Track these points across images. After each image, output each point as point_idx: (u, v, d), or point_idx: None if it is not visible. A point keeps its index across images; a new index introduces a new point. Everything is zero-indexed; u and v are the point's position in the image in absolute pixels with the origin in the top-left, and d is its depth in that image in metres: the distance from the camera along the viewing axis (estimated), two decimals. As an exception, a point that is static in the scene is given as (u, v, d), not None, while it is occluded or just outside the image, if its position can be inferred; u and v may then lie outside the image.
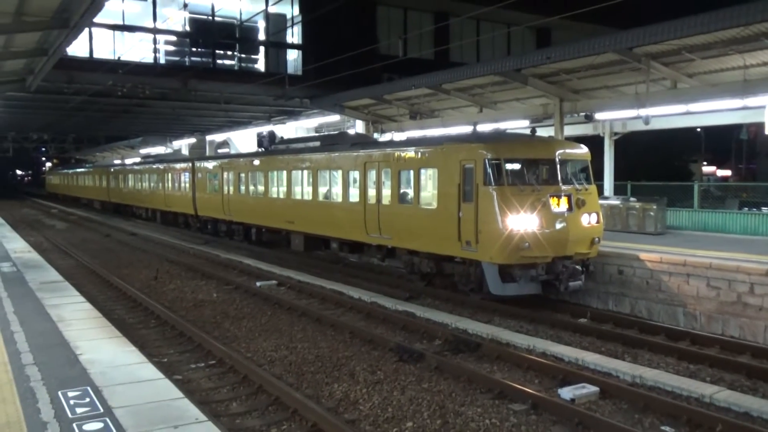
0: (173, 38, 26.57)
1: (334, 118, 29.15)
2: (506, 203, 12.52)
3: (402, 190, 15.46)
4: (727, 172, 52.11)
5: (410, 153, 15.21)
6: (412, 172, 15.05)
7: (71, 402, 6.01)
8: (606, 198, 19.03)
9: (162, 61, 25.76)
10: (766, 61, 14.60)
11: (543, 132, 18.31)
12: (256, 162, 23.40)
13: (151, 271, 18.99)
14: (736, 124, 28.39)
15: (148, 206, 36.78)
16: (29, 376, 6.77)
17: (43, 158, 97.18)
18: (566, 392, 8.66)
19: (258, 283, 16.72)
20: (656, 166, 42.15)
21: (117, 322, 11.87)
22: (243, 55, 28.16)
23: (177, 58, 26.64)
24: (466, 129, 21.26)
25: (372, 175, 16.40)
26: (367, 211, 16.47)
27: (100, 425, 5.49)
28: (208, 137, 44.97)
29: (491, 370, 9.94)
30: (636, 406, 8.35)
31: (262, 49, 28.35)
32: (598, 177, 17.02)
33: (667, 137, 38.71)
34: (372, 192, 16.35)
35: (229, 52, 27.86)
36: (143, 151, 51.01)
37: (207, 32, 26.20)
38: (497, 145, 13.26)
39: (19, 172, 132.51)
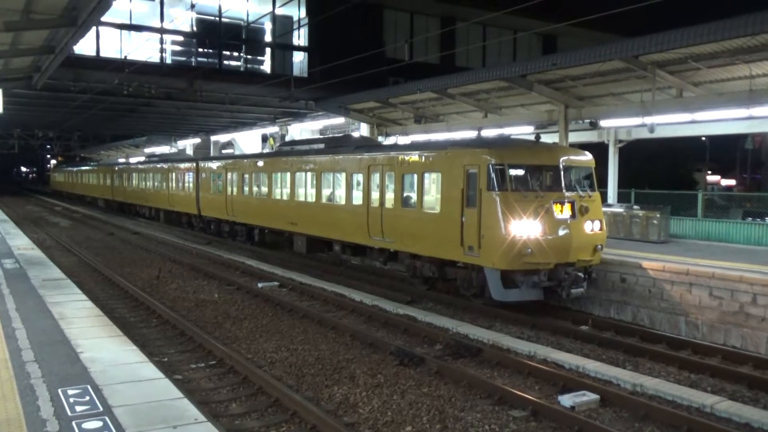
0: (180, 38, 26.61)
1: (339, 120, 29.21)
2: (509, 209, 12.51)
3: (405, 194, 15.46)
4: (732, 182, 51.96)
5: (414, 157, 15.22)
6: (415, 176, 15.05)
7: (71, 400, 6.02)
8: (609, 205, 19.00)
9: (168, 61, 25.82)
10: (772, 71, 14.58)
11: (547, 138, 18.32)
12: (260, 163, 23.44)
13: (153, 270, 19.03)
14: (741, 133, 28.35)
15: (151, 205, 36.85)
16: (30, 373, 6.78)
17: (48, 156, 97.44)
18: (566, 399, 8.64)
19: (260, 284, 16.72)
20: (660, 175, 42.10)
21: (118, 320, 11.91)
22: (249, 57, 28.21)
23: (183, 59, 26.70)
24: (471, 134, 21.30)
25: (376, 178, 16.40)
26: (370, 214, 16.47)
27: (99, 424, 5.49)
28: (213, 138, 45.07)
29: (492, 375, 9.92)
30: (636, 414, 8.32)
31: (268, 50, 28.41)
32: (602, 184, 16.99)
33: (671, 145, 38.69)
34: (375, 195, 16.36)
35: (236, 53, 27.93)
36: (148, 150, 51.12)
37: (214, 33, 26.26)
38: (501, 151, 13.25)
39: (24, 169, 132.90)
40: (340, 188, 18.38)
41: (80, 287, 12.91)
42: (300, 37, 28.86)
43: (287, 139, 33.40)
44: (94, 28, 22.26)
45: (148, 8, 25.38)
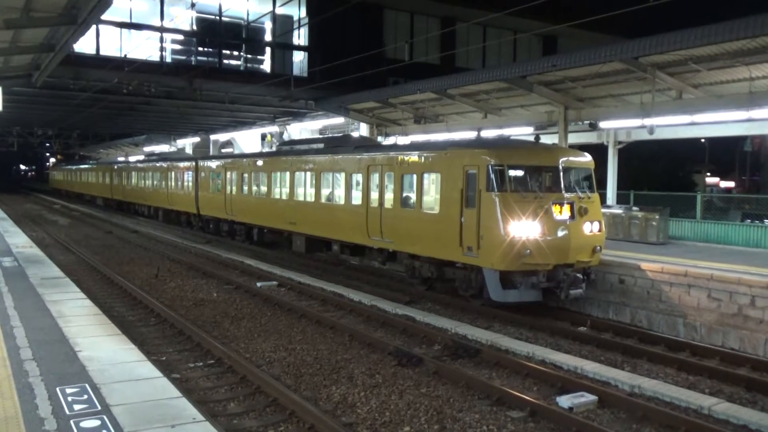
0: (180, 37, 26.61)
1: (339, 120, 29.20)
2: (509, 210, 12.52)
3: (404, 194, 15.46)
4: (731, 184, 52.08)
5: (414, 157, 15.22)
6: (415, 176, 15.06)
7: (69, 398, 6.01)
8: (609, 207, 19.01)
9: (168, 59, 25.80)
10: (772, 73, 14.60)
11: (547, 139, 18.32)
12: (260, 162, 23.44)
13: (151, 269, 19.01)
14: (740, 135, 28.39)
15: (150, 204, 36.85)
16: (28, 372, 6.78)
17: (47, 154, 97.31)
18: (564, 400, 8.64)
19: (258, 284, 16.72)
20: (659, 176, 42.16)
21: (117, 319, 11.89)
22: (249, 56, 28.20)
23: (183, 57, 26.69)
24: (470, 134, 21.30)
25: (375, 178, 16.40)
26: (369, 214, 16.47)
27: (97, 422, 5.49)
28: (213, 137, 45.05)
29: (490, 376, 9.92)
30: (634, 416, 8.33)
31: (268, 50, 28.40)
32: (601, 185, 17.00)
33: (671, 147, 38.77)
34: (374, 195, 16.36)
35: (236, 53, 27.92)
36: (147, 149, 51.10)
37: (214, 32, 26.25)
38: (501, 152, 13.26)
39: (23, 167, 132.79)
40: (339, 188, 18.38)
41: (79, 286, 12.91)
42: (300, 37, 28.86)
43: (285, 136, 33.42)
44: (94, 27, 22.23)
45: (148, 7, 25.37)
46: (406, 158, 15.43)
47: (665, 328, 12.81)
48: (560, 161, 13.33)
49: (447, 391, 9.10)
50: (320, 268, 19.45)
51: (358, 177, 17.23)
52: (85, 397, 6.08)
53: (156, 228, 31.90)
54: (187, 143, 49.36)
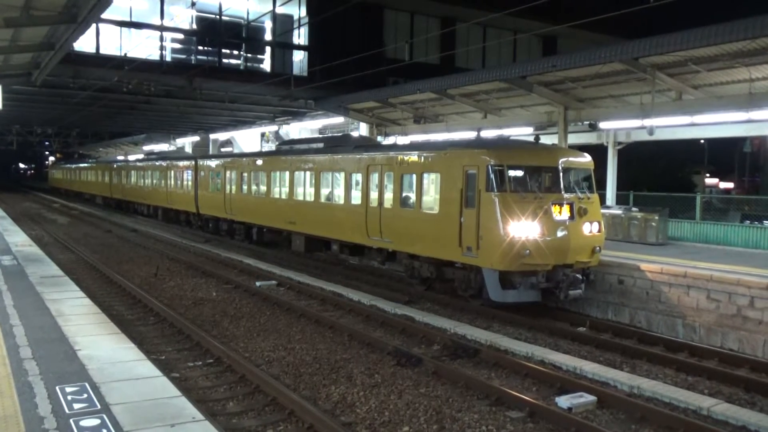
0: (180, 36, 26.62)
1: (338, 120, 29.22)
2: (508, 210, 12.52)
3: (404, 194, 15.46)
4: (730, 185, 52.11)
5: (413, 157, 15.22)
6: (414, 176, 15.06)
7: (69, 397, 6.01)
8: (608, 207, 19.02)
9: (168, 58, 25.80)
10: (771, 74, 14.61)
11: (546, 140, 18.34)
12: (259, 162, 23.44)
13: (151, 268, 19.01)
14: (740, 136, 28.41)
15: (150, 203, 36.83)
16: (27, 371, 6.77)
17: (47, 152, 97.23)
18: (564, 401, 8.64)
19: (258, 283, 16.72)
20: (659, 177, 42.16)
21: (116, 318, 11.89)
22: (249, 55, 28.20)
23: (183, 56, 26.70)
24: (470, 135, 21.31)
25: (374, 178, 16.40)
26: (368, 213, 16.47)
27: (97, 421, 5.49)
28: (212, 136, 45.05)
29: (489, 376, 9.93)
30: (633, 416, 8.33)
31: (268, 49, 28.41)
32: (601, 186, 17.01)
33: (670, 148, 38.78)
34: (374, 195, 16.36)
35: (236, 52, 27.92)
36: (146, 147, 51.10)
37: (214, 31, 26.26)
38: (501, 152, 13.26)
39: (22, 165, 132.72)
40: (338, 188, 18.38)
41: (78, 284, 12.91)
42: (300, 36, 28.86)
43: (283, 134, 33.43)
44: (93, 25, 22.23)
45: (148, 5, 25.37)
46: (405, 158, 15.43)
47: (664, 328, 12.82)
48: (560, 162, 13.33)
49: (446, 391, 9.10)
50: (319, 268, 19.45)
51: (357, 177, 17.23)
52: (85, 396, 6.08)
53: (155, 227, 31.88)
54: (187, 142, 49.35)
